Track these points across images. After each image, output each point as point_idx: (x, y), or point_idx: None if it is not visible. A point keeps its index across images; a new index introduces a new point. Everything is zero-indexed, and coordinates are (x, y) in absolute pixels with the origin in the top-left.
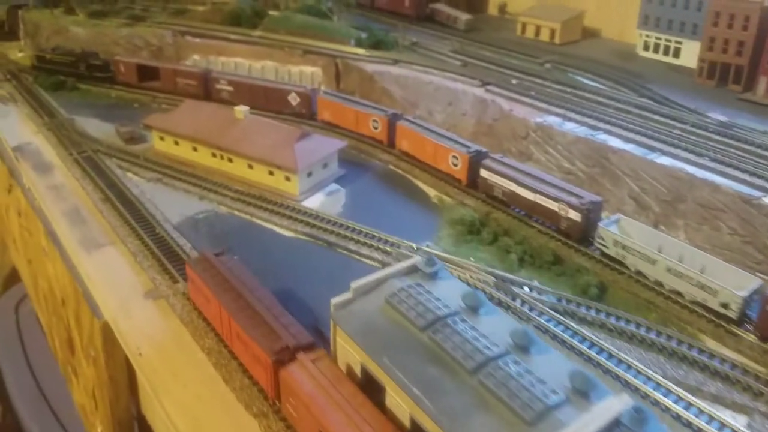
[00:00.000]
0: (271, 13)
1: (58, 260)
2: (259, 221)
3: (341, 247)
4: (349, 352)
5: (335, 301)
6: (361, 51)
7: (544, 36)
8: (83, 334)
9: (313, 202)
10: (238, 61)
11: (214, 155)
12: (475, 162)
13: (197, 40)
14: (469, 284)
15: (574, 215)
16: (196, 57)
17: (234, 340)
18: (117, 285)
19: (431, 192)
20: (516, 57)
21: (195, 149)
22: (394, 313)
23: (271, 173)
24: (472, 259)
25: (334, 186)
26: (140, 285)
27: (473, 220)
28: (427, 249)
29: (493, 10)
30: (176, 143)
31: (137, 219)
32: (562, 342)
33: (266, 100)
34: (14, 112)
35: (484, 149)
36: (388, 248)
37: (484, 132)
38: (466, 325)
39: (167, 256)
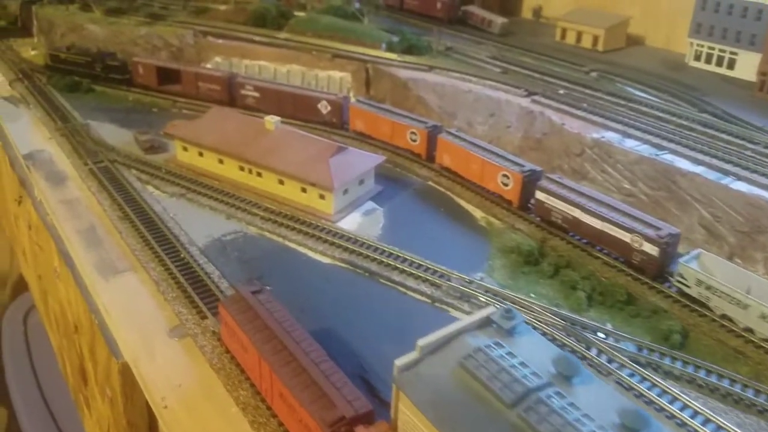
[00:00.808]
0: (297, 13)
1: (72, 284)
2: (292, 245)
3: (384, 277)
4: (416, 426)
5: (400, 362)
6: (393, 56)
7: (586, 43)
8: (98, 370)
9: (350, 223)
10: (263, 65)
11: (241, 169)
12: (530, 182)
13: (220, 41)
14: (555, 342)
15: (651, 249)
16: (218, 59)
17: (275, 398)
18: (138, 319)
19: (477, 213)
20: (558, 64)
21: (221, 161)
22: (472, 380)
23: (303, 190)
24: (532, 295)
25: (370, 204)
26: (164, 320)
27: (531, 249)
28: (480, 282)
29: (526, 13)
30: (200, 154)
31: (160, 241)
32: (650, 403)
33: (294, 107)
34: (26, 115)
35: (538, 168)
36: (436, 280)
37: (531, 147)
38: (563, 401)
39: (194, 287)
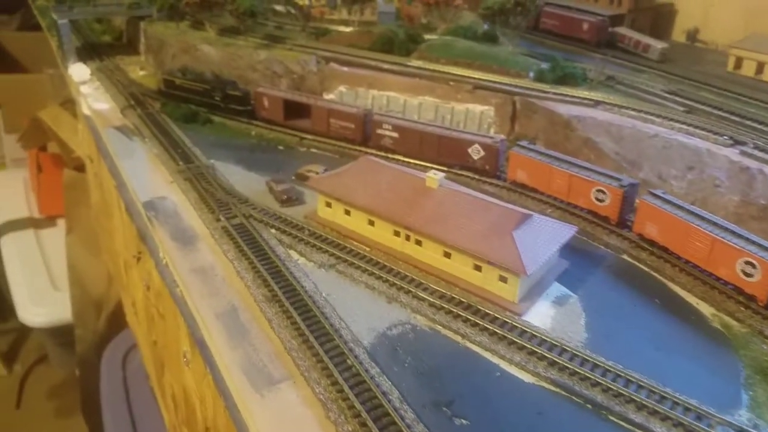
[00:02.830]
0: (428, 37)
1: (209, 384)
2: (476, 348)
3: (616, 414)
4: None
5: None
6: (546, 87)
7: None
8: None
9: (541, 317)
10: (391, 96)
11: (396, 234)
12: None
13: (345, 68)
14: None
15: None
16: (342, 89)
17: None
18: None
19: (704, 309)
20: (748, 102)
21: (371, 223)
22: None
23: (477, 268)
24: None
25: (558, 288)
26: None
27: None
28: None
29: (678, 35)
30: (347, 213)
31: (319, 337)
32: None
33: (439, 151)
34: (140, 149)
35: None
36: (692, 423)
37: (753, 215)
38: None
39: (373, 416)
